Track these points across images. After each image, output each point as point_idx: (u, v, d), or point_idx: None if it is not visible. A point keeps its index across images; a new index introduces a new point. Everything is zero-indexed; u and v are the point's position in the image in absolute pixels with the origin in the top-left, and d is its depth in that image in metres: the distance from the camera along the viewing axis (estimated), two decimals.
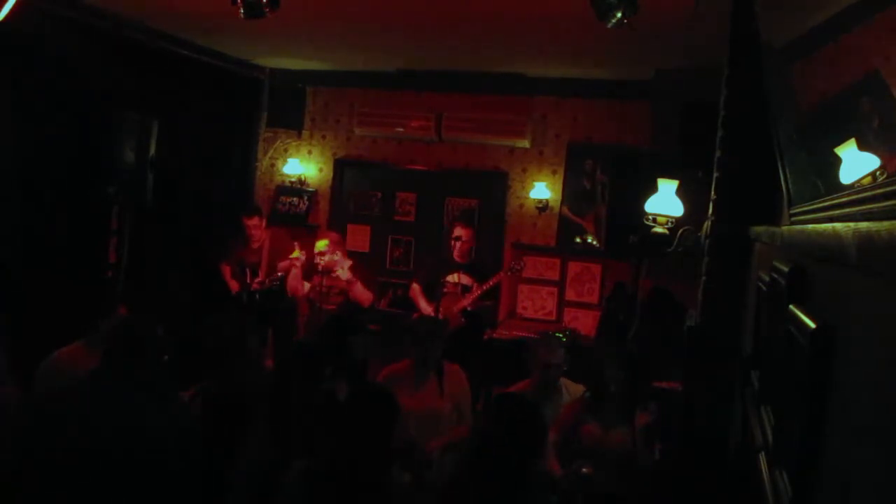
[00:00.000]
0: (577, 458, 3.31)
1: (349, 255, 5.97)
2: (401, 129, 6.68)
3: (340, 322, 4.05)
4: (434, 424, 3.61)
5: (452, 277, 5.55)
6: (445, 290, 5.51)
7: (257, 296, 5.77)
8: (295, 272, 5.34)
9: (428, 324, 4.44)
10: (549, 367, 3.82)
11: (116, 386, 2.51)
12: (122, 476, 2.35)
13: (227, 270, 5.97)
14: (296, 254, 5.50)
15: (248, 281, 5.84)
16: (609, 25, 3.26)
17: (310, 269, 5.39)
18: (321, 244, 5.32)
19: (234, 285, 5.90)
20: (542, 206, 6.31)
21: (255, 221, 5.90)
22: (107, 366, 2.56)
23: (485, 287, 5.48)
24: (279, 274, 5.72)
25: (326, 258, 5.22)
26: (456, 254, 5.64)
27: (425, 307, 5.58)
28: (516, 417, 2.59)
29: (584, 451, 3.39)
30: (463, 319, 5.46)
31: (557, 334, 5.97)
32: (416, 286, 5.76)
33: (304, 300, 5.33)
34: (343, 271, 5.34)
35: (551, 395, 3.80)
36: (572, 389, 3.88)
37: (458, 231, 5.67)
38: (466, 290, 5.49)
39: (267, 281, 5.74)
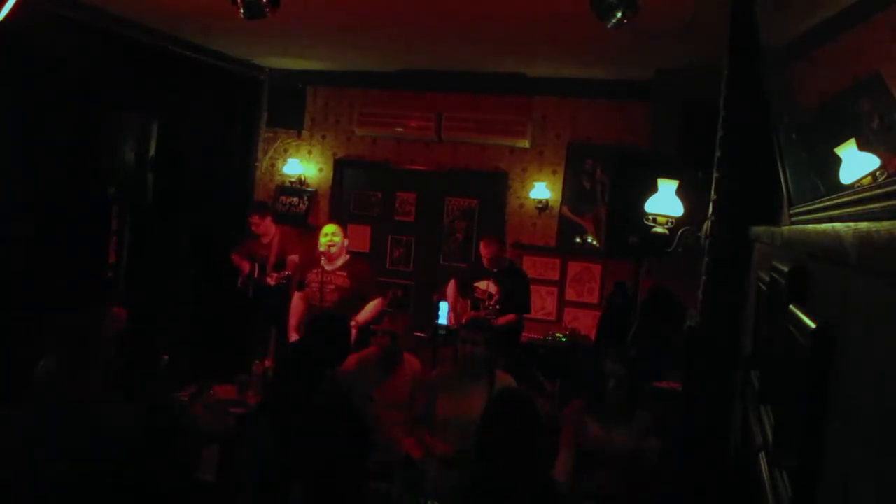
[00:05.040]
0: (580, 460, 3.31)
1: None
2: (401, 129, 6.68)
3: (336, 321, 4.04)
4: None
5: (482, 284, 5.50)
6: (476, 294, 5.50)
7: (263, 293, 5.76)
8: (297, 302, 5.31)
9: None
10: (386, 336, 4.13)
11: (70, 391, 2.44)
12: (94, 487, 2.30)
13: (236, 259, 5.97)
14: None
15: (256, 276, 5.84)
16: (609, 25, 3.26)
17: (310, 263, 5.33)
18: (330, 227, 5.26)
19: (246, 266, 5.89)
20: (542, 206, 6.31)
21: (255, 219, 5.92)
22: (60, 370, 2.49)
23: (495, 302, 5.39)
24: (287, 273, 5.71)
25: (338, 240, 5.17)
26: (485, 263, 5.57)
27: (452, 304, 5.66)
28: (517, 412, 2.59)
29: (584, 452, 3.39)
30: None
31: (557, 334, 6.00)
32: (453, 282, 5.79)
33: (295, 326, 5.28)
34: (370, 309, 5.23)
35: (390, 364, 4.11)
36: (409, 360, 4.22)
37: (482, 249, 5.61)
38: (490, 297, 5.44)
39: (275, 276, 5.73)
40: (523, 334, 5.73)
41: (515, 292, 5.44)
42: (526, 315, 5.64)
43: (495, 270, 5.50)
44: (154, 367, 3.17)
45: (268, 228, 5.95)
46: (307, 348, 3.54)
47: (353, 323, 4.95)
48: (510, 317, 5.38)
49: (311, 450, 2.38)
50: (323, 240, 5.13)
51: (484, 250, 5.57)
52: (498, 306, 5.31)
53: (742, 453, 2.17)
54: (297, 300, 5.28)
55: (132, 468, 2.37)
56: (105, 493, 2.32)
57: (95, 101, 4.98)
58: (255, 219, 5.93)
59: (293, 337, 5.14)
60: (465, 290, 5.60)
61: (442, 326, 5.77)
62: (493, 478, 2.52)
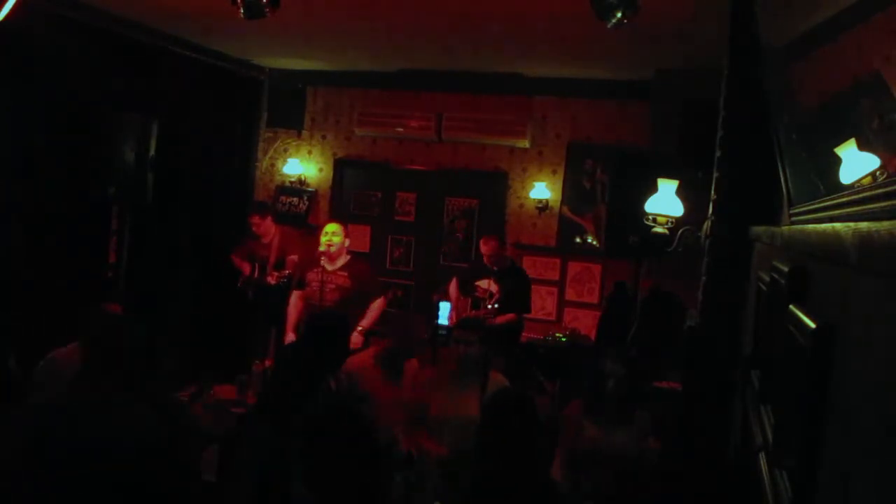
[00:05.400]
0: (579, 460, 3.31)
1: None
2: (401, 129, 6.69)
3: (336, 321, 4.02)
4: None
5: (483, 283, 5.49)
6: (477, 294, 5.50)
7: (263, 292, 5.75)
8: (296, 301, 5.28)
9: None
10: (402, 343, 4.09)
11: (96, 391, 2.44)
12: (105, 487, 2.30)
13: (236, 260, 5.96)
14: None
15: (256, 275, 5.84)
16: (609, 25, 3.26)
17: (310, 262, 5.30)
18: (331, 227, 5.22)
19: (246, 268, 5.88)
20: (542, 206, 6.31)
21: (256, 220, 5.91)
22: (86, 370, 2.49)
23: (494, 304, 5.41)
24: (287, 271, 5.70)
25: (337, 239, 5.12)
26: (485, 261, 5.56)
27: (455, 302, 5.67)
28: (513, 412, 2.59)
29: (584, 452, 3.39)
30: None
31: (557, 334, 6.00)
32: (455, 281, 5.80)
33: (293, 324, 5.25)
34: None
35: (393, 366, 4.02)
36: (408, 365, 4.12)
37: (481, 247, 5.61)
38: (491, 296, 5.44)
39: (275, 275, 5.72)
40: (523, 334, 5.74)
41: (516, 292, 5.44)
42: (526, 315, 5.64)
43: (496, 269, 5.49)
44: (154, 367, 3.16)
45: (268, 229, 5.94)
46: (306, 349, 3.53)
47: (358, 329, 4.93)
48: (510, 316, 5.37)
49: (313, 451, 2.38)
50: (323, 238, 5.10)
51: (483, 248, 5.58)
52: (497, 305, 5.31)
53: (742, 453, 2.17)
54: (295, 299, 5.24)
55: (134, 468, 2.37)
56: (106, 494, 2.32)
57: (95, 101, 4.98)
58: (256, 219, 5.93)
59: (290, 336, 5.11)
60: (467, 288, 5.61)
61: (442, 326, 5.77)
62: (493, 478, 2.52)
